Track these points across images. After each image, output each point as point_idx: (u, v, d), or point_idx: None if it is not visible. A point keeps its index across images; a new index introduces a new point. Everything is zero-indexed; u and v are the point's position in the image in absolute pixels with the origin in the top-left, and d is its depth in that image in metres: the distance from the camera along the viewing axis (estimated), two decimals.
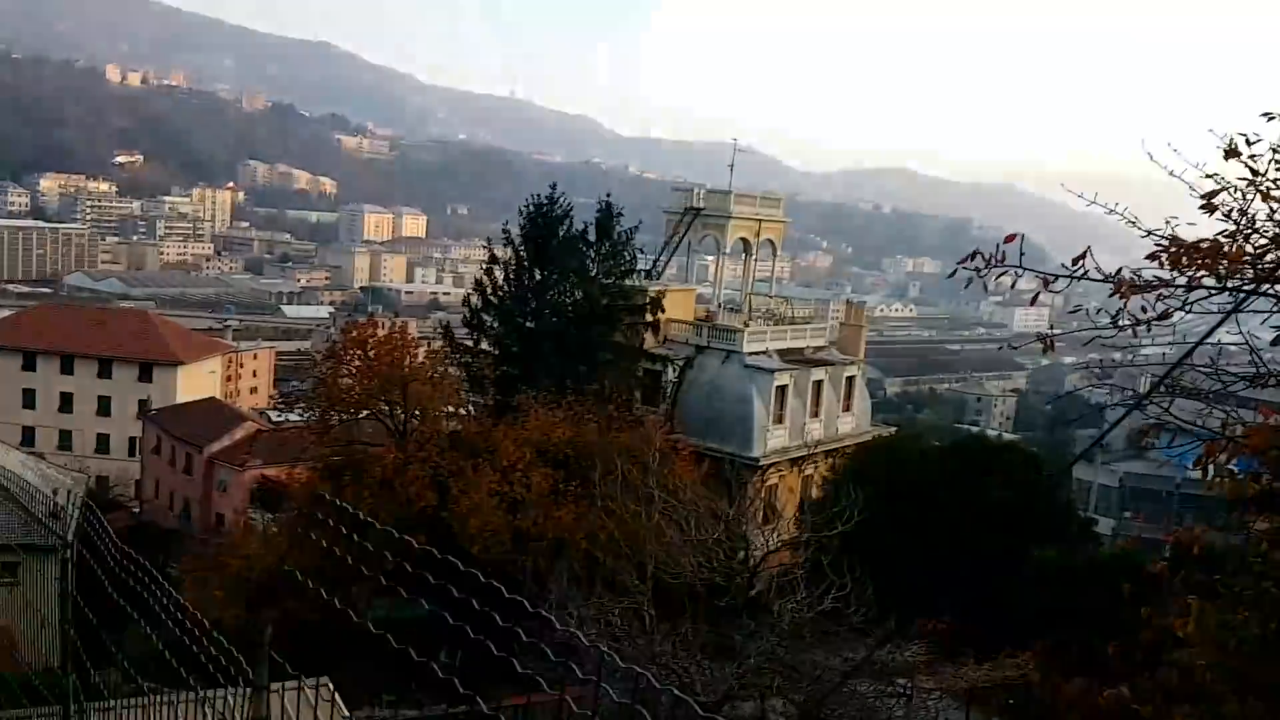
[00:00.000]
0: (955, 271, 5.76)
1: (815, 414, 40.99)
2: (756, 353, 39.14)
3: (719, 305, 44.77)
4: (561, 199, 38.36)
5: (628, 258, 38.64)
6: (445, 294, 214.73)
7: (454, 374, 33.27)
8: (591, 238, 38.10)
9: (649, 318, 38.59)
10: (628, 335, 37.78)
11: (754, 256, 46.27)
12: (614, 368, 36.48)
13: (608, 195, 39.57)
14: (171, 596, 5.37)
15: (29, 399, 67.15)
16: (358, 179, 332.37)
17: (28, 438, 61.86)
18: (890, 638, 17.32)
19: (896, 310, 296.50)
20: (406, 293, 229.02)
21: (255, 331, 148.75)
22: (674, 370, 38.94)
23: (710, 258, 48.66)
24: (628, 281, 38.42)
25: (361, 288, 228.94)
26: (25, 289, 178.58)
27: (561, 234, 37.76)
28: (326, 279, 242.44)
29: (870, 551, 20.08)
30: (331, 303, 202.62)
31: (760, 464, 36.91)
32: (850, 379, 43.47)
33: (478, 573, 4.69)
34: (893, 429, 48.51)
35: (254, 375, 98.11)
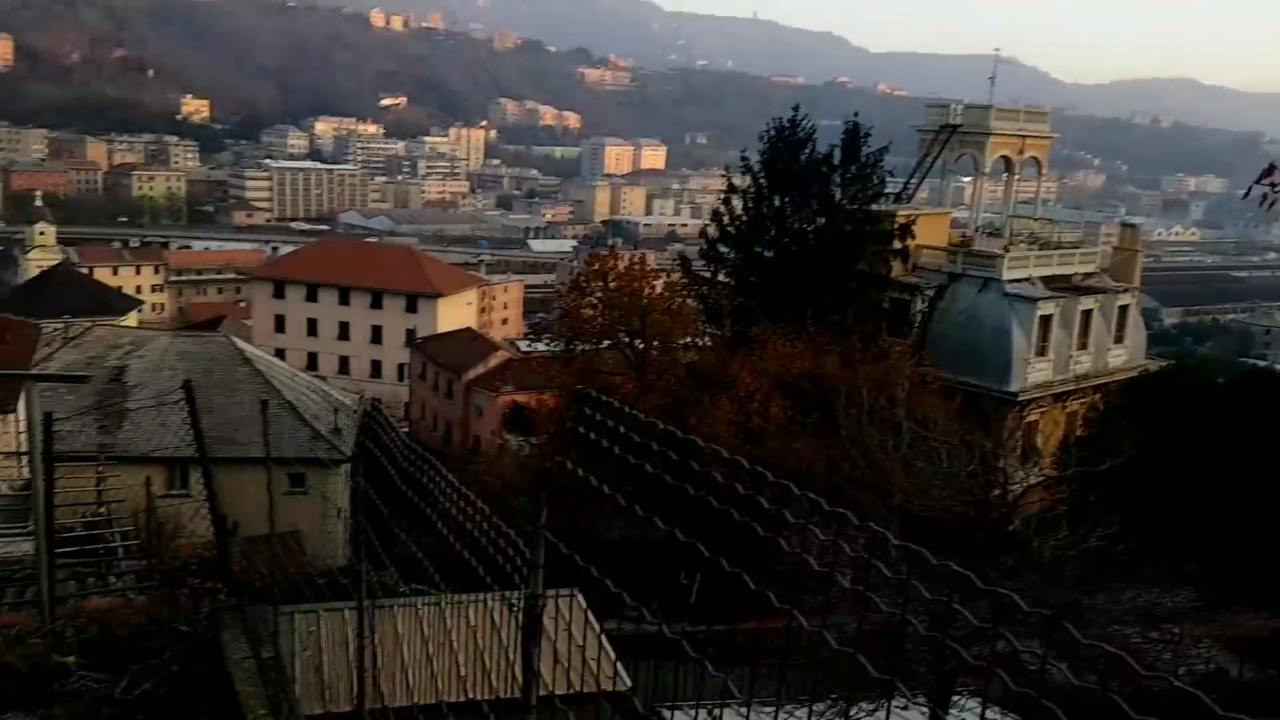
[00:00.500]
0: (1249, 191, 4.71)
1: (1083, 346, 37.82)
2: (1018, 280, 36.40)
3: (976, 230, 41.96)
4: (804, 121, 36.81)
5: (875, 181, 36.72)
6: (683, 225, 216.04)
7: (691, 305, 33.05)
8: (836, 161, 36.50)
9: (897, 244, 36.67)
10: (874, 263, 36.10)
11: (1016, 176, 42.97)
12: (858, 298, 35.03)
13: (854, 115, 37.68)
14: (456, 489, 5.35)
15: (312, 328, 73.42)
16: (600, 112, 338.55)
17: (312, 362, 67.73)
18: (1160, 581, 15.76)
19: (1176, 234, 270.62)
20: (645, 225, 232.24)
21: (505, 265, 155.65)
22: (924, 300, 36.94)
23: (967, 179, 45.73)
24: (875, 206, 36.60)
25: (602, 221, 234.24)
26: (306, 226, 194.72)
27: (804, 158, 36.39)
28: (570, 213, 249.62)
29: (1141, 491, 18.33)
30: (574, 236, 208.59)
31: (1019, 399, 34.61)
32: (1123, 309, 39.78)
33: (717, 476, 4.18)
34: (1169, 362, 44.24)
35: (504, 307, 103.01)
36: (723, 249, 36.60)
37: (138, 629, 7.00)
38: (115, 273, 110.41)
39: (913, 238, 36.82)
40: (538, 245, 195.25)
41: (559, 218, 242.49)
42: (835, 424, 23.58)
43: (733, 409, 25.10)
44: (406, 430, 61.95)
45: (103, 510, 12.98)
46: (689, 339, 30.64)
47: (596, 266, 28.84)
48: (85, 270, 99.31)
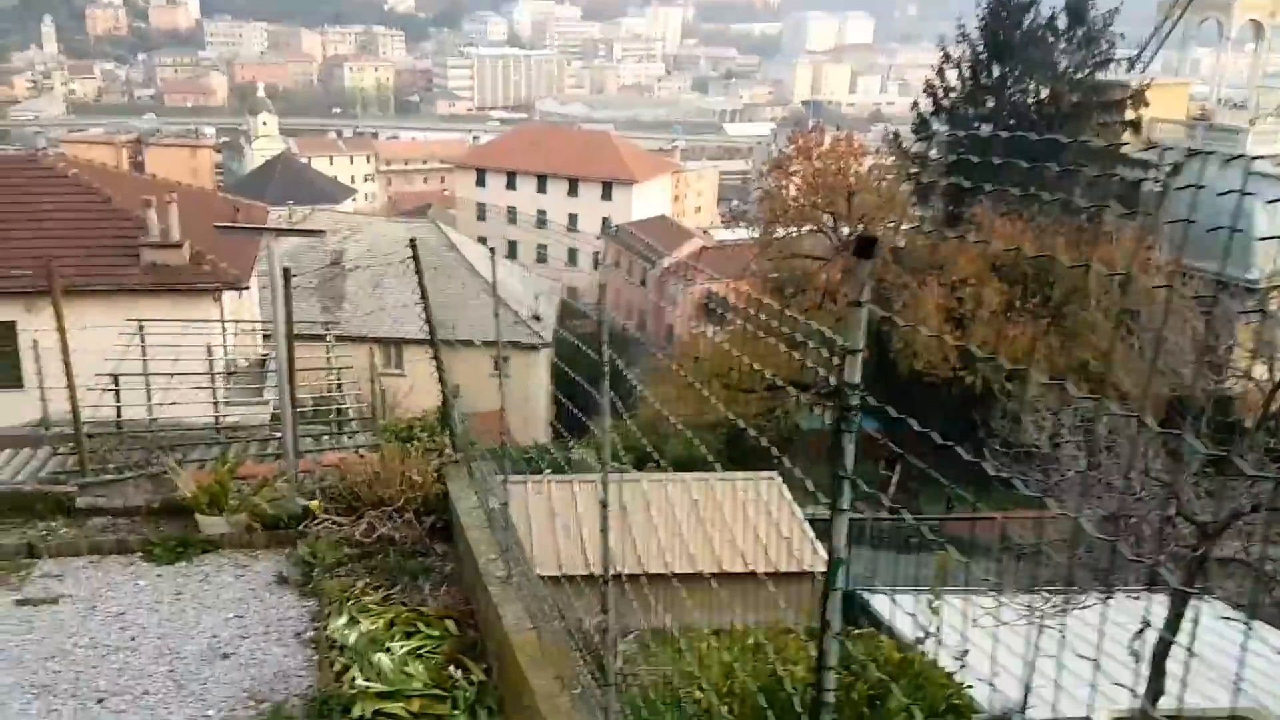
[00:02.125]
0: None
1: None
2: (1264, 157, 32.76)
3: (1219, 102, 37.90)
4: None
5: (1104, 47, 33.48)
6: (889, 104, 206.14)
7: (900, 186, 31.47)
8: (1061, 26, 33.41)
9: (1128, 115, 33.53)
10: (1102, 136, 33.20)
11: (1266, 43, 38.28)
12: (1083, 175, 32.36)
13: None
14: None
15: (511, 215, 75.16)
16: None
17: (511, 251, 69.53)
18: None
19: None
20: (848, 105, 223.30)
21: (700, 151, 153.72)
22: (1159, 177, 33.76)
23: (1207, 50, 41.15)
24: (1103, 75, 33.45)
25: (803, 102, 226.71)
26: (504, 114, 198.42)
27: (1026, 23, 33.51)
28: (769, 95, 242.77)
29: None
30: (772, 119, 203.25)
31: (1259, 287, 31.52)
32: None
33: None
34: None
35: (698, 194, 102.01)
36: (935, 123, 34.51)
37: (371, 478, 7.35)
38: (331, 162, 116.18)
39: (1145, 108, 33.53)
40: (733, 129, 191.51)
41: (757, 99, 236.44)
42: (1056, 310, 22.13)
43: (943, 293, 23.88)
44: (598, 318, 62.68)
45: (332, 376, 13.71)
46: (897, 221, 29.26)
47: (800, 143, 27.68)
48: (304, 160, 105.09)
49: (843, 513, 2.63)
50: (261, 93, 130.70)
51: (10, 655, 5.88)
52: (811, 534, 15.06)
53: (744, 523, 14.69)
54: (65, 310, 8.74)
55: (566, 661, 4.78)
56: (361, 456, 8.05)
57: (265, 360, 21.79)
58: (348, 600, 6.23)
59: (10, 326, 21.34)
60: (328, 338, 17.78)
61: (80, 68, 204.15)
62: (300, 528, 7.21)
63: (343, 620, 6.04)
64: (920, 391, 21.76)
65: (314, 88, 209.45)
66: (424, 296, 7.74)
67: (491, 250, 7.93)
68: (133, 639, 6.09)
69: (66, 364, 8.71)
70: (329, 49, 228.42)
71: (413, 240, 8.04)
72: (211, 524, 7.13)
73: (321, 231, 21.69)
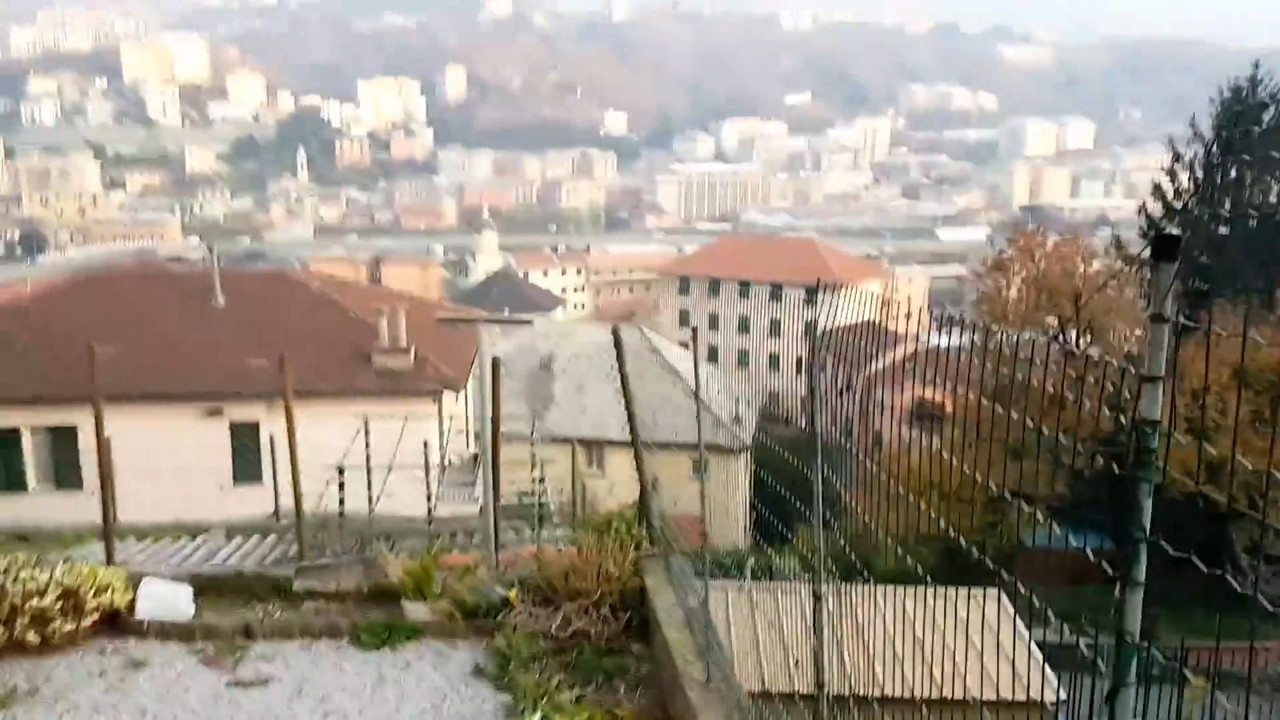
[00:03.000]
0: None
1: None
2: None
3: None
4: (1266, 80, 31.87)
5: None
6: (1114, 208, 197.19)
7: (1130, 291, 29.69)
8: None
9: None
10: None
11: None
12: None
13: None
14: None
15: (713, 321, 76.10)
16: (1019, 91, 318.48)
17: (712, 355, 70.18)
18: None
19: None
20: (1071, 210, 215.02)
21: (909, 256, 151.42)
22: None
23: None
24: None
25: (1021, 207, 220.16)
26: (710, 225, 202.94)
27: (1265, 121, 31.44)
28: (984, 200, 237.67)
29: None
30: (988, 224, 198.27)
31: None
32: None
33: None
34: None
35: (908, 299, 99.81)
36: (1166, 226, 32.56)
37: (568, 569, 7.28)
38: (545, 275, 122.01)
39: None
40: (946, 234, 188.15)
41: (971, 204, 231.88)
42: None
43: (1184, 401, 22.08)
44: (802, 426, 61.88)
45: (535, 473, 13.99)
46: (1128, 328, 27.52)
47: (1022, 243, 26.64)
48: (521, 273, 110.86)
49: (1137, 586, 2.20)
50: (485, 214, 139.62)
51: None
52: (1040, 658, 13.82)
53: (964, 643, 13.64)
54: (299, 410, 9.29)
55: None
56: (560, 552, 8.04)
57: (477, 457, 22.66)
58: (542, 698, 6.12)
59: (254, 427, 23.21)
60: (533, 435, 18.30)
61: (328, 195, 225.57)
62: (498, 618, 7.21)
63: (536, 717, 5.92)
64: (1160, 506, 19.94)
65: (533, 208, 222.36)
66: (624, 383, 7.76)
67: (694, 330, 7.88)
68: None
69: (293, 457, 9.22)
70: (548, 171, 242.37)
71: (615, 327, 8.11)
72: (415, 610, 7.25)
73: (529, 320, 22.65)
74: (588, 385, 38.45)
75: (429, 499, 13.48)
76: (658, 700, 6.15)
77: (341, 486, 12.05)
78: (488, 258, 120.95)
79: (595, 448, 37.05)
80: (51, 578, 7.10)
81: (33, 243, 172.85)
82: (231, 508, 18.84)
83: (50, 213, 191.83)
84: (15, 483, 22.64)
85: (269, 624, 7.28)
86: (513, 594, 7.25)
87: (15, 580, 6.99)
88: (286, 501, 12.16)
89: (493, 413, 7.81)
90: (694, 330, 8.84)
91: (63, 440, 22.10)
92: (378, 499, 12.44)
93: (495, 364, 7.71)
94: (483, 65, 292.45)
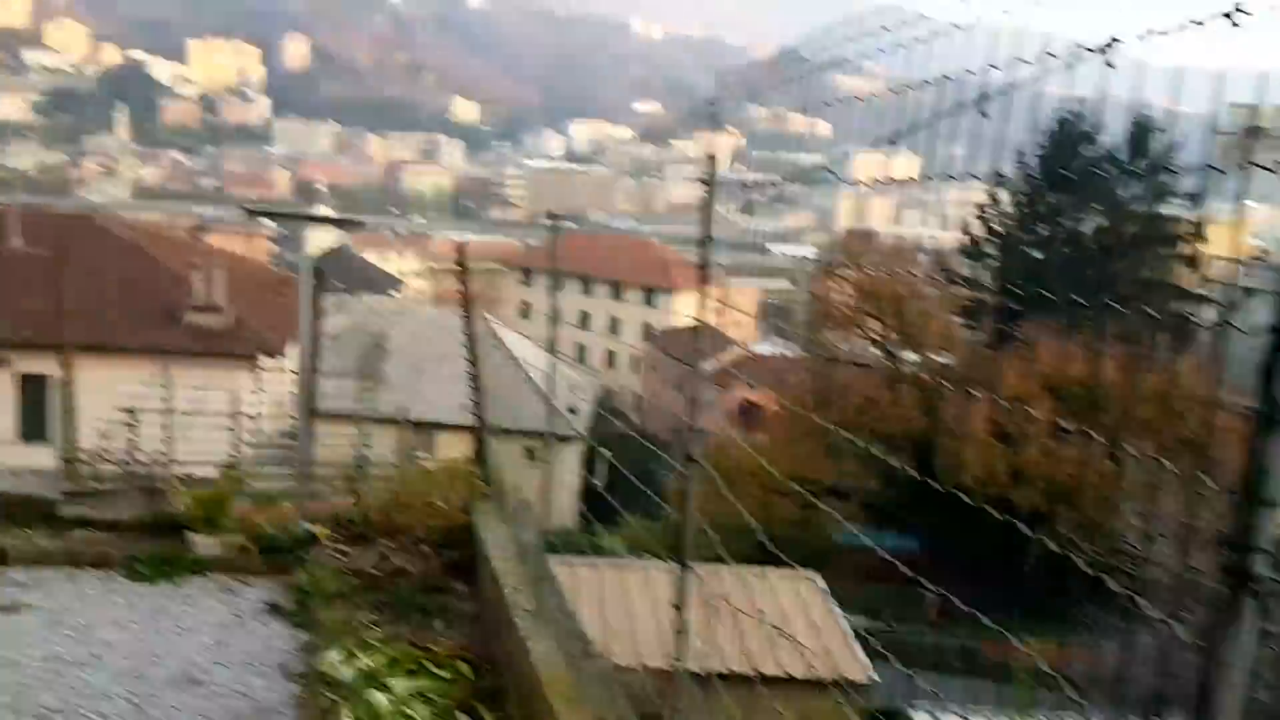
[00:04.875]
0: None
1: None
2: None
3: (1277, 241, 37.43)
4: (1084, 114, 33.94)
5: (1166, 181, 33.28)
6: (931, 237, 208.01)
7: (950, 302, 31.06)
8: (1123, 158, 33.35)
9: (1186, 250, 33.05)
10: (1158, 269, 32.70)
11: None
12: (1137, 306, 31.77)
13: (1145, 108, 34.28)
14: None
15: (553, 314, 75.68)
16: (851, 120, 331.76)
17: (551, 349, 69.72)
18: None
19: None
20: (893, 236, 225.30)
21: (743, 269, 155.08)
22: (1216, 314, 33.08)
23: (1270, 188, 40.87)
24: (1163, 208, 33.14)
25: (848, 231, 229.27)
26: (555, 222, 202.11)
27: (1084, 153, 33.51)
28: (814, 221, 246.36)
29: None
30: (815, 244, 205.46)
31: None
32: None
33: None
34: None
35: (740, 310, 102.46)
36: (987, 248, 34.26)
37: (388, 503, 6.67)
38: (384, 257, 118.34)
39: (1204, 243, 33.05)
40: (778, 250, 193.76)
41: (802, 225, 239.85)
42: (1111, 434, 21.29)
43: (992, 411, 23.14)
44: (637, 418, 62.34)
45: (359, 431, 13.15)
46: (943, 338, 28.72)
47: (853, 247, 27.44)
48: (359, 254, 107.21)
49: None
50: (324, 188, 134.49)
51: None
52: (853, 639, 14.05)
53: (781, 623, 13.73)
54: (96, 365, 8.31)
55: (610, 705, 4.06)
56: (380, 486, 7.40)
57: (295, 435, 21.41)
58: (345, 634, 5.51)
59: (41, 380, 21.23)
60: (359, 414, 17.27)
61: (149, 155, 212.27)
62: (303, 555, 6.53)
63: (337, 655, 5.31)
64: (966, 509, 20.79)
65: (374, 188, 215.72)
66: (467, 312, 7.23)
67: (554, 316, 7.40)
68: (95, 656, 5.37)
69: (67, 402, 8.24)
70: (393, 153, 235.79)
71: (460, 254, 7.55)
72: (204, 544, 6.48)
73: (362, 223, 21.59)
74: (423, 367, 37.27)
75: (236, 448, 12.45)
76: (479, 638, 5.64)
77: (132, 430, 10.94)
78: (323, 233, 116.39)
79: (426, 430, 35.93)
80: None
81: None
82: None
83: None
84: None
85: (26, 550, 6.36)
86: (320, 530, 6.58)
87: None
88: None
89: (312, 328, 7.11)
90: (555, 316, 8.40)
91: None
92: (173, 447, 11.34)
93: (320, 272, 7.04)
94: (329, 37, 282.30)
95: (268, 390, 21.86)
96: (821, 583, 14.91)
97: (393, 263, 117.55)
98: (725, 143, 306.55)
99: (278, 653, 5.60)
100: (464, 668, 5.26)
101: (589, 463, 34.08)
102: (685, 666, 4.08)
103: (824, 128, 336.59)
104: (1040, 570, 17.41)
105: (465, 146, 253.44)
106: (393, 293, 79.63)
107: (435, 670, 5.19)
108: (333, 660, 5.26)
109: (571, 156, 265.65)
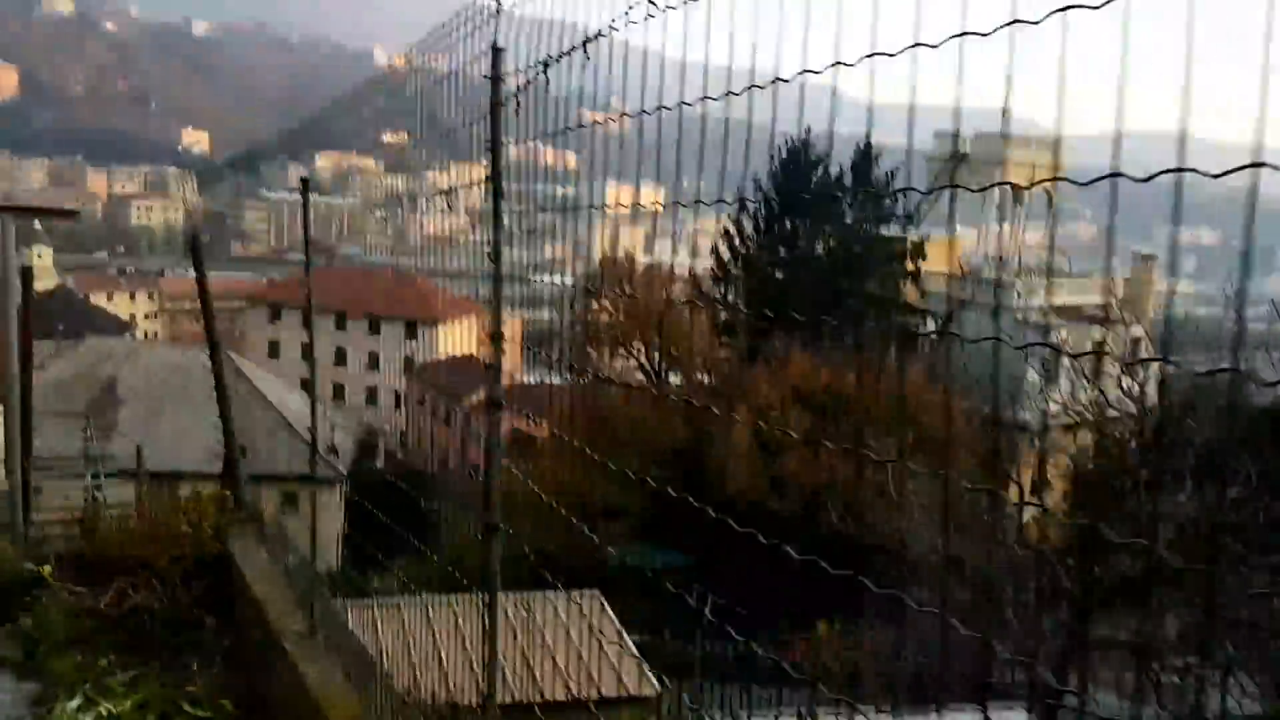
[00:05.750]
0: None
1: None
2: (1028, 308, 35.99)
3: (988, 258, 41.74)
4: (814, 145, 36.70)
5: (887, 204, 36.47)
6: (680, 263, 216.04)
7: (703, 320, 32.58)
8: (848, 183, 36.25)
9: (908, 268, 36.31)
10: (884, 286, 35.72)
11: (1027, 205, 42.81)
12: (867, 319, 34.59)
13: (867, 137, 37.45)
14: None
15: (305, 352, 72.56)
16: (600, 153, 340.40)
17: (305, 388, 66.88)
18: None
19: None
20: (645, 264, 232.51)
21: (506, 300, 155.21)
22: (935, 324, 36.46)
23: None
24: (885, 230, 36.27)
25: (602, 259, 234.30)
26: (301, 256, 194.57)
27: (814, 181, 36.15)
28: (571, 251, 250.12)
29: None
30: (574, 273, 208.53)
31: (1030, 429, 34.07)
32: (1135, 341, 39.42)
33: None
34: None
35: (504, 338, 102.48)
36: (733, 270, 36.22)
37: (124, 536, 6.25)
38: (110, 299, 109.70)
39: (924, 261, 36.41)
40: (538, 280, 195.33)
41: (559, 254, 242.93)
42: (858, 438, 23.06)
43: (752, 419, 24.48)
44: (400, 456, 60.87)
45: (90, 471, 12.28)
46: (702, 356, 30.08)
47: (614, 270, 28.27)
48: (81, 296, 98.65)
49: None
50: (38, 225, 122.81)
51: None
52: (637, 654, 14.47)
53: (568, 645, 13.92)
54: None
55: None
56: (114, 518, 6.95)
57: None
58: (82, 682, 5.17)
59: None
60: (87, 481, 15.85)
61: None
62: (26, 599, 6.02)
63: (74, 703, 4.98)
64: (734, 517, 21.85)
65: (98, 225, 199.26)
66: (200, 280, 6.94)
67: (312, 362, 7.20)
68: None
69: None
70: (116, 187, 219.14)
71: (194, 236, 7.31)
72: None
73: (75, 212, 20.03)
74: (159, 411, 34.89)
75: None
76: (239, 671, 5.44)
77: None
78: (40, 276, 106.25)
79: (168, 481, 33.59)
80: None
81: None
82: None
83: None
84: None
85: None
86: (46, 570, 6.11)
87: None
88: None
89: (20, 337, 6.66)
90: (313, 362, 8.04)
91: None
92: None
93: (26, 273, 6.60)
94: (41, 65, 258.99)
95: None
96: (602, 600, 15.27)
97: (122, 305, 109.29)
98: (479, 174, 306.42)
99: (3, 708, 5.18)
100: (226, 705, 5.06)
101: (353, 503, 33.07)
102: (496, 698, 4.09)
103: (573, 159, 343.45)
104: (803, 571, 18.58)
105: (197, 179, 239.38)
106: (126, 338, 73.88)
107: (193, 712, 4.98)
108: (69, 710, 4.94)
109: (315, 188, 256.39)
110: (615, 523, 24.42)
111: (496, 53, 4.05)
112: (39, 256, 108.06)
